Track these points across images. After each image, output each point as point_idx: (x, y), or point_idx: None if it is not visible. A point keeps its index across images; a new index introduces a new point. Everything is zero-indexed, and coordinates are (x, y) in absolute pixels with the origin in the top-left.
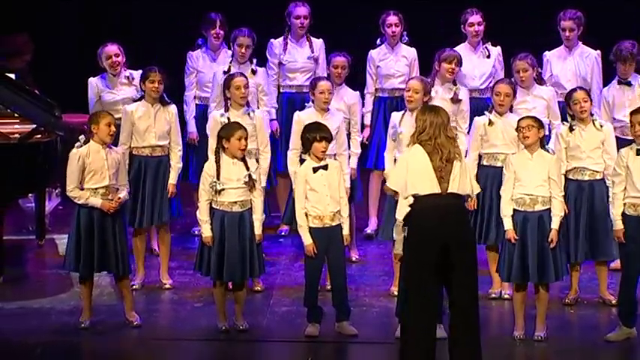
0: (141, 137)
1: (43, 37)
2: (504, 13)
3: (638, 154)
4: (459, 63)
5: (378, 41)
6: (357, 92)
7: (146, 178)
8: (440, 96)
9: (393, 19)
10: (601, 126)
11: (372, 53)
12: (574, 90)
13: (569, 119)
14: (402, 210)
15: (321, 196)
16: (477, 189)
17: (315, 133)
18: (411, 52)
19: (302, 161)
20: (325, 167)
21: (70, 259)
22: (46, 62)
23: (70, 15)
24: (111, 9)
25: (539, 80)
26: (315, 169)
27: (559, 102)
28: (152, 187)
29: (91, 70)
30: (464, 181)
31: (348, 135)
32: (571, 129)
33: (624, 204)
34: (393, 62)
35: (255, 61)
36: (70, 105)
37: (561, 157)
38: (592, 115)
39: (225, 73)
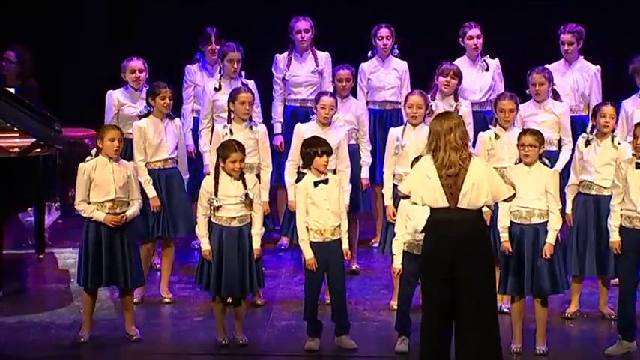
0: (154, 152)
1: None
2: (504, 25)
3: (637, 168)
4: (456, 75)
5: (370, 54)
6: (364, 103)
7: (161, 190)
8: (441, 111)
9: (384, 31)
10: (618, 144)
11: (363, 66)
12: (604, 103)
13: (587, 131)
14: (400, 223)
15: (322, 210)
16: (506, 194)
17: (316, 147)
18: (402, 65)
19: (300, 174)
20: (326, 182)
21: (80, 274)
22: (60, 76)
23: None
24: (120, 22)
25: (555, 95)
26: (315, 184)
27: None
28: (168, 199)
29: (102, 85)
30: (477, 196)
31: (354, 146)
32: (587, 143)
33: (621, 216)
34: (384, 75)
35: (243, 74)
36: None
37: (575, 168)
38: (613, 132)
39: (216, 89)
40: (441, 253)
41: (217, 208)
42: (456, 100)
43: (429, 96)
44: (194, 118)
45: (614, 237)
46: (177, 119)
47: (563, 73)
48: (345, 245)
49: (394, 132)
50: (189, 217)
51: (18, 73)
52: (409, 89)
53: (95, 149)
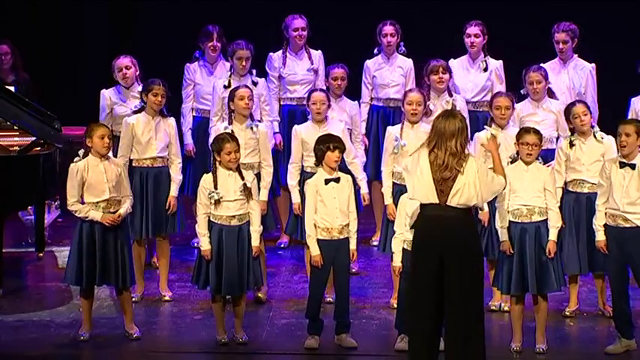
0: (142, 149)
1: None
2: (506, 25)
3: (621, 167)
4: (446, 70)
5: (375, 51)
6: (357, 102)
7: (147, 189)
8: (438, 109)
9: (389, 29)
10: (602, 138)
11: (368, 63)
12: (572, 104)
13: (568, 132)
14: (399, 221)
15: (330, 208)
16: (500, 184)
17: (328, 142)
18: (407, 63)
19: (303, 173)
20: (337, 180)
21: (71, 273)
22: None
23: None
24: (119, 21)
25: (550, 93)
26: (327, 181)
27: None
28: (154, 197)
29: (96, 83)
30: (467, 195)
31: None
32: (571, 144)
33: (605, 214)
34: (389, 72)
35: (254, 72)
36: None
37: (560, 171)
38: (592, 127)
39: (225, 87)
40: (430, 247)
41: (218, 203)
42: (451, 95)
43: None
44: (194, 117)
45: (600, 236)
46: (171, 118)
47: (559, 71)
48: (353, 246)
49: (392, 130)
50: (175, 216)
51: (12, 65)
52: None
53: (82, 150)
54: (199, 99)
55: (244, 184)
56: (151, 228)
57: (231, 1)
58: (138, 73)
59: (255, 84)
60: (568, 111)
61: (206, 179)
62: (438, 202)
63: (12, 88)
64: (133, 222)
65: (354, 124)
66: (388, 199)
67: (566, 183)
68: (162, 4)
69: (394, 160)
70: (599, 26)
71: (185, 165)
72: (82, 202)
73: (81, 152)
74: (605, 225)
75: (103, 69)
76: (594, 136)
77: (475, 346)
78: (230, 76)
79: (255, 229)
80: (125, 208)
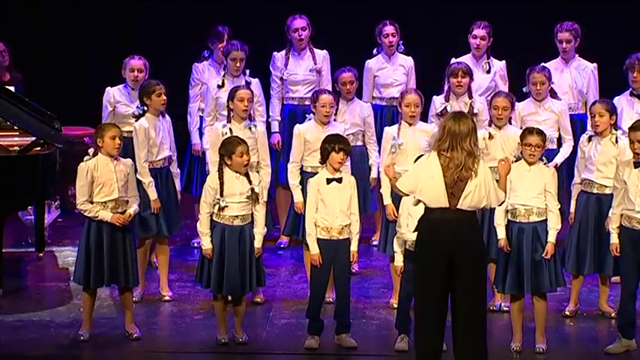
0: (157, 151)
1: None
2: (509, 26)
3: (635, 167)
4: (466, 73)
5: (375, 51)
6: (369, 104)
7: (162, 188)
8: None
9: (389, 29)
10: (616, 141)
11: (370, 63)
12: (593, 103)
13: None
14: (402, 220)
15: (329, 208)
16: (501, 197)
17: (334, 143)
18: (408, 61)
19: (302, 172)
20: (339, 180)
21: (79, 273)
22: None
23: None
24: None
25: (553, 93)
26: (328, 181)
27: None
28: (167, 196)
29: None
30: (478, 198)
31: (361, 147)
32: (589, 139)
33: (621, 215)
34: (391, 71)
35: (247, 72)
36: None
37: (579, 167)
38: (616, 129)
39: (219, 86)
40: (439, 250)
41: (222, 208)
42: (470, 97)
43: (443, 97)
44: (200, 116)
45: (614, 239)
46: (166, 115)
47: (561, 71)
48: (354, 247)
49: (389, 130)
50: (179, 214)
51: (9, 65)
52: (415, 85)
53: (92, 149)
54: (205, 99)
55: (252, 189)
56: (172, 226)
57: (231, 1)
58: (147, 77)
59: (248, 84)
60: (588, 108)
61: (212, 179)
62: (448, 206)
63: (12, 88)
64: (157, 221)
65: (367, 126)
66: (387, 199)
67: (581, 181)
68: (162, 4)
69: (392, 160)
70: (600, 26)
71: (192, 164)
72: (91, 202)
73: (91, 151)
74: (621, 225)
75: (103, 69)
76: (611, 138)
77: (478, 344)
78: (224, 75)
79: (259, 231)
80: (134, 208)
